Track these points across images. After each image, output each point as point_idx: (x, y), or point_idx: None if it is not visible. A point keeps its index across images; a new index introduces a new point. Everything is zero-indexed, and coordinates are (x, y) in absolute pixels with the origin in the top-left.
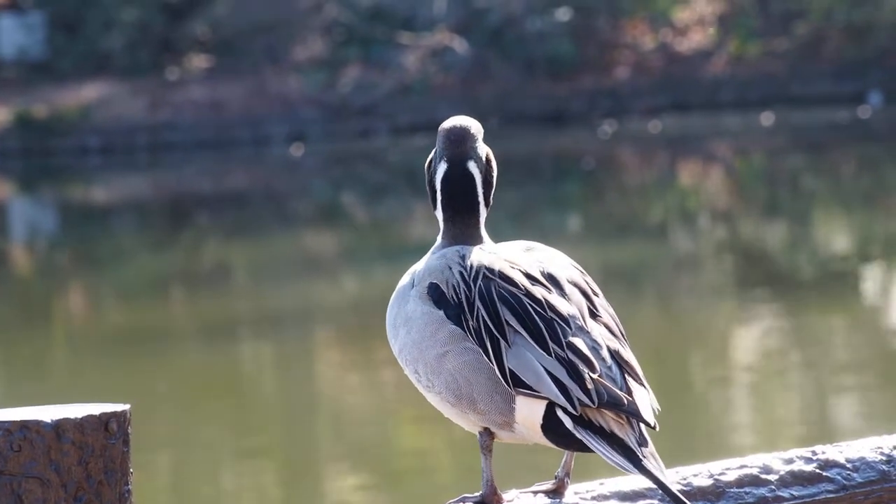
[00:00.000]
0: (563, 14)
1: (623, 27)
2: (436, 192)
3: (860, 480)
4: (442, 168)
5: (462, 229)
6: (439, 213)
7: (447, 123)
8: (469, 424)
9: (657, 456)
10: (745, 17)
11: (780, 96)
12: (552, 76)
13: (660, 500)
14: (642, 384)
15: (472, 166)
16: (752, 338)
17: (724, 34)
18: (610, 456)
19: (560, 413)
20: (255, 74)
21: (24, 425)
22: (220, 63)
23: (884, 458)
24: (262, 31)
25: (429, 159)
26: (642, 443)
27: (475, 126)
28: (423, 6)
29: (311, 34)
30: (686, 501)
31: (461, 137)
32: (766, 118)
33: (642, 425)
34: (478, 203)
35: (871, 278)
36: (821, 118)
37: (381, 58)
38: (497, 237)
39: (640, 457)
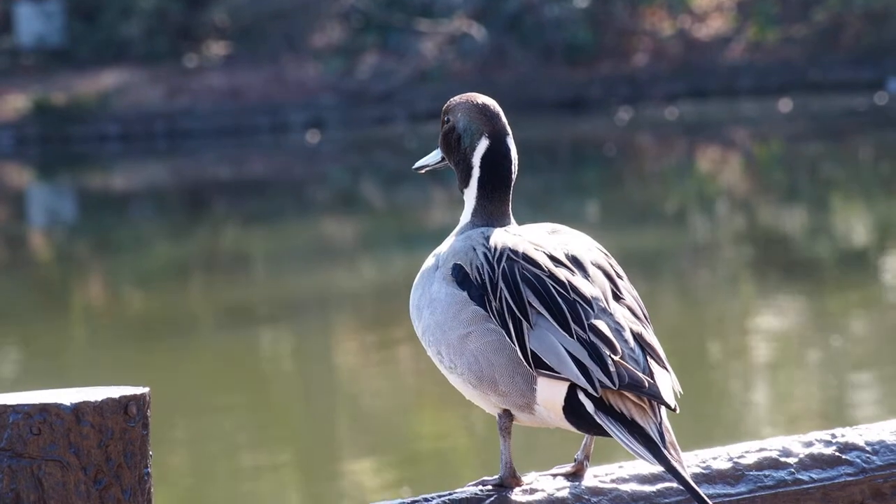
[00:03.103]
0: (581, 1)
1: (641, 14)
2: (472, 169)
3: (880, 463)
4: (483, 144)
5: (496, 207)
6: (472, 192)
7: (476, 98)
8: (490, 406)
9: (677, 446)
10: (764, 3)
11: (799, 83)
12: (570, 63)
13: (679, 485)
14: (665, 367)
15: (510, 142)
16: (771, 323)
17: (742, 20)
18: (630, 445)
19: (581, 396)
20: (274, 61)
21: (44, 408)
22: (238, 50)
23: None
24: (281, 18)
25: (451, 137)
26: (662, 432)
27: None
28: None
29: (329, 21)
30: (703, 496)
31: (498, 113)
32: (785, 105)
33: (663, 410)
34: (512, 181)
35: (890, 264)
36: (839, 105)
37: (399, 44)
38: (516, 222)
39: (661, 448)
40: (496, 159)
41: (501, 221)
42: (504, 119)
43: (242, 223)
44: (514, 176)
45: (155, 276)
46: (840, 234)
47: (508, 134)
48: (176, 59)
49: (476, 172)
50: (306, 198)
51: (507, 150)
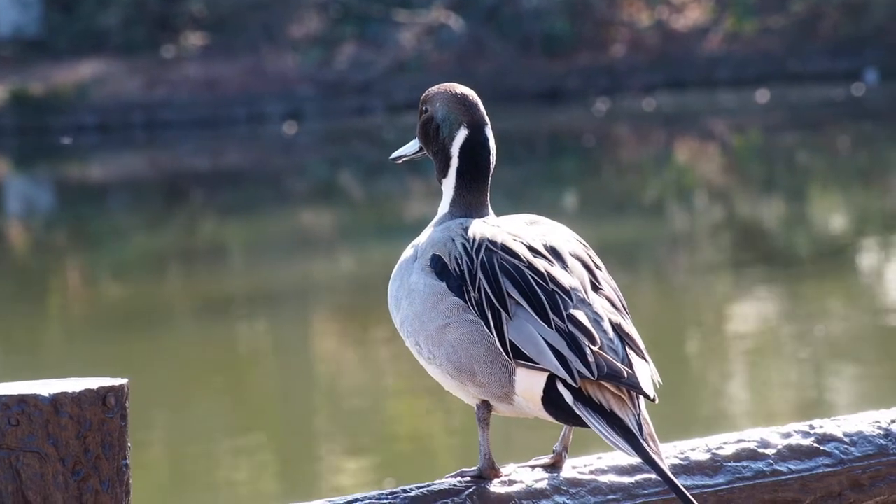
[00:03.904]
0: None
1: (619, 4)
2: (450, 159)
3: (858, 454)
4: (462, 134)
5: (475, 197)
6: (450, 182)
7: (455, 88)
8: (468, 397)
9: (655, 438)
10: None
11: (777, 74)
12: (548, 54)
13: (657, 476)
14: (644, 357)
15: (489, 132)
16: (748, 314)
17: (720, 11)
18: (609, 436)
19: (560, 387)
20: (251, 52)
21: (23, 399)
22: (216, 41)
23: (881, 432)
24: (258, 8)
25: (429, 127)
26: (641, 424)
27: None
28: None
29: (307, 12)
30: (681, 487)
31: (476, 103)
32: (762, 95)
33: (642, 401)
34: (490, 171)
35: (867, 255)
36: (817, 95)
37: (377, 35)
38: (495, 213)
39: (639, 439)
40: (475, 149)
41: (480, 212)
42: (482, 109)
43: (220, 214)
44: (492, 166)
45: (132, 267)
46: (817, 225)
47: (487, 124)
48: (154, 49)
49: (455, 162)
50: (284, 189)
51: (486, 140)
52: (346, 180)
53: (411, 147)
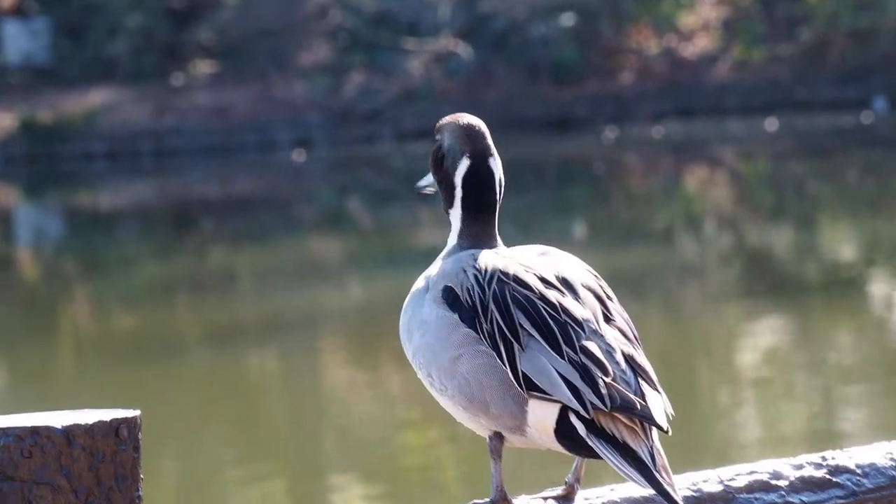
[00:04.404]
0: (567, 19)
1: (627, 32)
2: (454, 189)
3: (870, 486)
4: (464, 164)
5: (481, 228)
6: (456, 212)
7: (462, 119)
8: (480, 428)
9: (669, 469)
10: (750, 22)
11: (785, 102)
12: (556, 81)
13: None
14: (656, 389)
15: (494, 163)
16: (759, 343)
17: (728, 39)
18: (622, 467)
19: (573, 418)
20: (260, 80)
21: (35, 431)
22: (225, 68)
23: (894, 463)
24: (267, 36)
25: (436, 156)
26: (654, 455)
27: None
28: (427, 11)
29: (316, 40)
30: None
31: (482, 134)
32: (771, 124)
33: (655, 432)
34: (496, 202)
35: (877, 283)
36: (825, 124)
37: (386, 63)
38: (503, 243)
39: (653, 470)
40: (477, 180)
41: (487, 243)
42: (488, 139)
43: (229, 242)
44: (498, 197)
45: (142, 296)
46: (827, 254)
47: (492, 155)
48: (163, 77)
49: (458, 193)
50: (293, 216)
51: (489, 170)
52: (354, 208)
53: (430, 177)
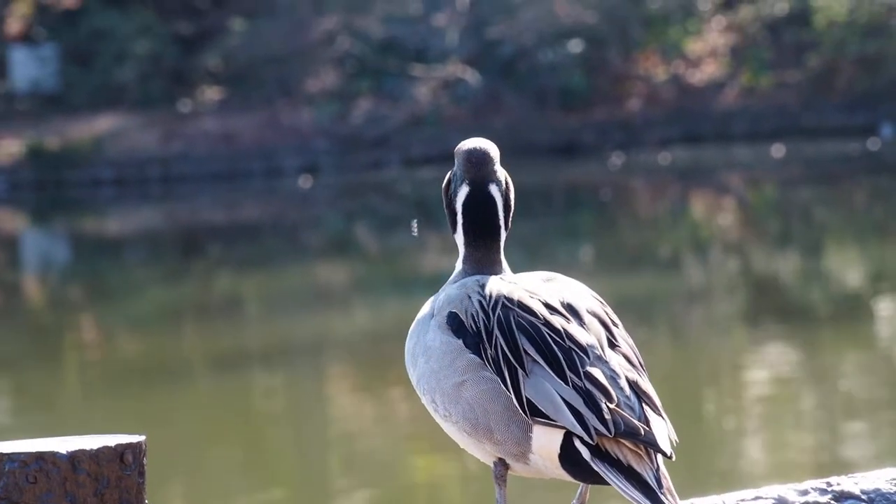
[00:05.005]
0: (575, 46)
1: (635, 59)
2: (456, 215)
3: None
4: (463, 191)
5: (484, 253)
6: (459, 238)
7: (466, 145)
8: (485, 455)
9: (674, 493)
10: (758, 48)
11: (792, 128)
12: (564, 108)
13: None
14: (660, 415)
15: (494, 189)
16: (765, 370)
17: (736, 66)
18: (628, 491)
19: (577, 443)
20: (268, 106)
21: (41, 457)
22: (232, 95)
23: None
24: (275, 63)
25: (446, 181)
26: (659, 479)
27: (493, 149)
28: (435, 38)
29: (324, 66)
30: None
31: (482, 160)
32: (778, 150)
33: (659, 456)
34: (499, 227)
35: (884, 309)
36: (832, 150)
37: (393, 89)
38: (510, 268)
39: (658, 494)
40: (476, 206)
41: (492, 269)
42: (490, 165)
43: (236, 268)
44: (500, 223)
45: (149, 322)
46: (834, 280)
47: (493, 181)
48: (170, 103)
49: (459, 219)
50: (300, 243)
51: (487, 196)
52: (361, 234)
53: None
